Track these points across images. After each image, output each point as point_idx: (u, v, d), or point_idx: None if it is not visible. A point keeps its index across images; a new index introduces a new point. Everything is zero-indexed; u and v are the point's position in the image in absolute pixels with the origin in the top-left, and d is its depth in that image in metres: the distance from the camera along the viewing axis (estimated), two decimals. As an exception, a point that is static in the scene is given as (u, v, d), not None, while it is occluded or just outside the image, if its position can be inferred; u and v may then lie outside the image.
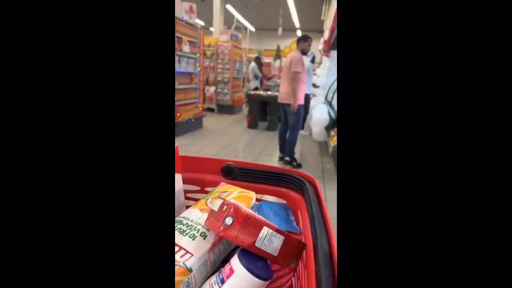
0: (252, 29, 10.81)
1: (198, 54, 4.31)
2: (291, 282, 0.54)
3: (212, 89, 6.25)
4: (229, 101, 6.24)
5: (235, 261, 0.41)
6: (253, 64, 5.86)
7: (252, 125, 4.82)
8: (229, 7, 7.95)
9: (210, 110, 6.35)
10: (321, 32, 8.37)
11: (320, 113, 3.53)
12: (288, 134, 2.91)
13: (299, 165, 2.93)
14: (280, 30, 7.90)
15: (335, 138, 2.84)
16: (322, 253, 0.39)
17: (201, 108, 4.57)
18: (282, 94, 2.82)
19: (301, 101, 2.73)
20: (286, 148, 2.95)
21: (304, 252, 0.46)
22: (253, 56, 6.31)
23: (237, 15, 8.11)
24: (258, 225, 0.42)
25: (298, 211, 0.66)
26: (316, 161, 3.10)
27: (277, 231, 0.43)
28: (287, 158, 2.98)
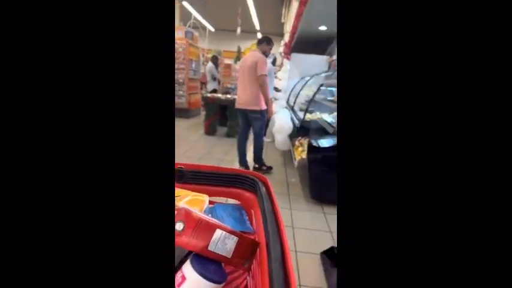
0: (212, 29, 10.82)
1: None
2: (246, 281, 0.56)
3: (165, 90, 6.03)
4: (185, 104, 6.10)
5: (187, 268, 0.41)
6: (210, 64, 5.84)
7: (210, 131, 4.75)
8: (186, 4, 7.87)
9: (163, 114, 6.11)
10: (281, 35, 8.72)
11: (283, 119, 3.62)
12: (253, 142, 2.93)
13: (270, 168, 3.05)
14: (239, 29, 8.03)
15: (300, 149, 2.90)
16: (274, 251, 0.42)
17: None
18: (242, 99, 2.77)
19: (265, 106, 2.75)
20: (254, 157, 2.98)
21: (258, 250, 0.49)
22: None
23: (195, 14, 8.05)
24: (211, 229, 0.43)
25: (252, 210, 0.70)
26: (280, 174, 3.07)
27: (231, 232, 0.45)
28: (256, 166, 3.01)
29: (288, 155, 3.74)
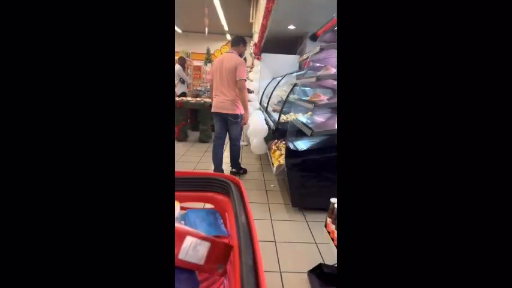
0: (179, 30, 10.49)
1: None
2: (223, 286, 0.54)
3: (130, 96, 5.64)
4: (153, 110, 5.72)
5: None
6: (177, 67, 5.52)
7: (181, 136, 4.47)
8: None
9: (129, 121, 5.72)
10: (251, 35, 8.59)
11: (257, 122, 3.44)
12: (230, 147, 2.82)
13: (245, 171, 2.99)
14: (206, 30, 7.77)
15: (277, 153, 2.73)
16: (246, 254, 0.41)
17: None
18: (221, 103, 2.61)
19: (243, 110, 2.66)
20: (232, 162, 2.90)
21: (231, 253, 0.48)
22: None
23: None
24: (180, 237, 0.42)
25: (226, 213, 0.68)
26: (258, 180, 2.88)
27: (203, 238, 0.44)
28: (234, 170, 2.93)
29: (264, 159, 3.58)
